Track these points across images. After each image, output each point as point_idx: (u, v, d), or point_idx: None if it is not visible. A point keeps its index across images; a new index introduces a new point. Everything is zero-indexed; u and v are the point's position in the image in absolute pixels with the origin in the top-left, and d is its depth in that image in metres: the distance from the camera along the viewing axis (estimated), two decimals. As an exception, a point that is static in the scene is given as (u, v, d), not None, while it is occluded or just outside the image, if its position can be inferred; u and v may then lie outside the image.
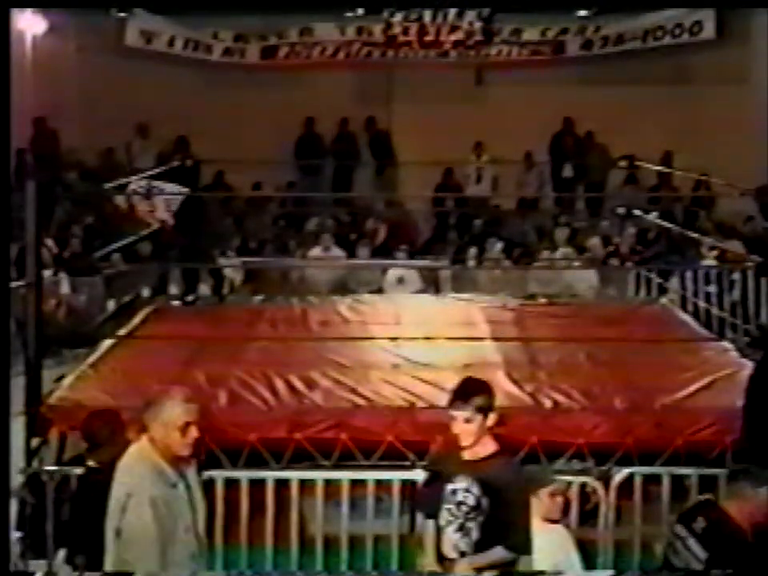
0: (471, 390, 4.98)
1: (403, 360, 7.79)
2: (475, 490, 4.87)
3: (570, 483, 5.45)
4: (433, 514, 5.02)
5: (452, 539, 4.93)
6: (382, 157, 16.44)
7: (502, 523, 4.83)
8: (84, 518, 5.16)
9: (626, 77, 15.80)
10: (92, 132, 15.95)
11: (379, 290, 12.74)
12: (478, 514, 4.86)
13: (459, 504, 4.91)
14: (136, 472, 4.67)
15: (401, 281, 13.03)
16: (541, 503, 5.35)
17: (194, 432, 4.71)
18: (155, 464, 4.67)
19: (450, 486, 4.95)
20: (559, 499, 5.47)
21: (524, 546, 4.85)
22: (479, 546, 4.87)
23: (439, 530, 4.98)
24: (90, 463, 5.80)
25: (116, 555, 4.63)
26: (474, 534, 4.88)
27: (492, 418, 4.93)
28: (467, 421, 4.88)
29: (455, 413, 4.91)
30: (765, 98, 14.70)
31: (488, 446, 4.95)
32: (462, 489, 4.90)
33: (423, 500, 5.26)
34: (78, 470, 5.91)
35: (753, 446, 5.92)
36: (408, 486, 6.21)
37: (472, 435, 4.90)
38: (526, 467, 5.57)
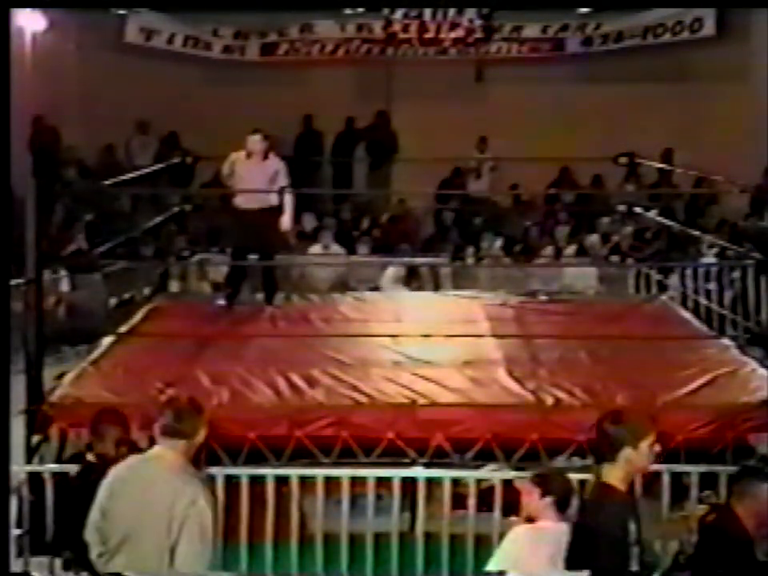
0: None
1: (404, 357, 7.78)
2: None
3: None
4: None
5: None
6: (386, 153, 16.27)
7: None
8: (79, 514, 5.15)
9: (626, 74, 15.78)
10: (92, 129, 15.93)
11: (379, 288, 12.72)
12: None
13: None
14: (188, 479, 4.52)
15: (398, 280, 12.99)
16: None
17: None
18: (195, 471, 4.62)
19: None
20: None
21: None
22: None
23: None
24: (89, 457, 5.81)
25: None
26: None
27: None
28: None
29: None
30: (765, 95, 14.68)
31: None
32: None
33: None
34: (77, 467, 5.91)
35: None
36: (408, 483, 6.22)
37: None
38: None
